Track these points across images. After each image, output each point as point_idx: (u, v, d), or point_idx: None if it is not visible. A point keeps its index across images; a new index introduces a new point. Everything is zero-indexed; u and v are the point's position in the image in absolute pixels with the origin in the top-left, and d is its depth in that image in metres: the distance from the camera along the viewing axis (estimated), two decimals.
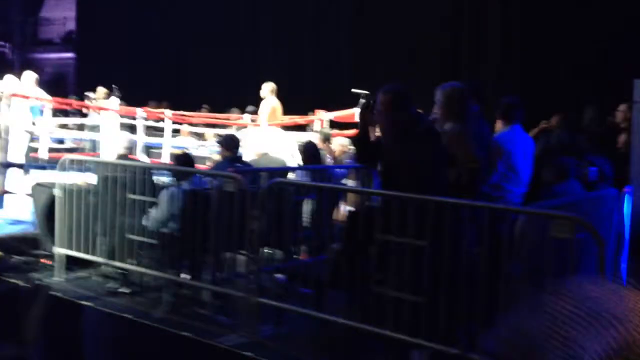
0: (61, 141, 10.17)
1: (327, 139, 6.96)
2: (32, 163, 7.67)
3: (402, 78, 8.47)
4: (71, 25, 16.97)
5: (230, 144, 5.16)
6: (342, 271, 3.62)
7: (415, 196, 3.23)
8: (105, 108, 8.48)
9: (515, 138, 4.13)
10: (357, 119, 8.07)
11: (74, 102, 9.00)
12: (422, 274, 3.20)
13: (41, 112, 7.80)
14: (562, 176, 4.02)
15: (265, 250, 4.25)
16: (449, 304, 3.13)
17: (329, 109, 8.58)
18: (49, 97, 8.13)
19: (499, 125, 4.23)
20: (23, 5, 16.70)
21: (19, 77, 8.04)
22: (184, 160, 4.96)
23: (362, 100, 8.07)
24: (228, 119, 9.87)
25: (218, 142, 5.24)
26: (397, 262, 3.30)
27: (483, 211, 3.21)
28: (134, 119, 8.52)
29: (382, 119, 3.51)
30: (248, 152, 6.11)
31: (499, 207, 3.42)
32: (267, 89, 8.49)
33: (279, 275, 4.27)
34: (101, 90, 10.07)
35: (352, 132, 8.15)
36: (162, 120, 8.86)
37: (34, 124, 7.07)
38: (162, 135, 8.78)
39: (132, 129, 8.41)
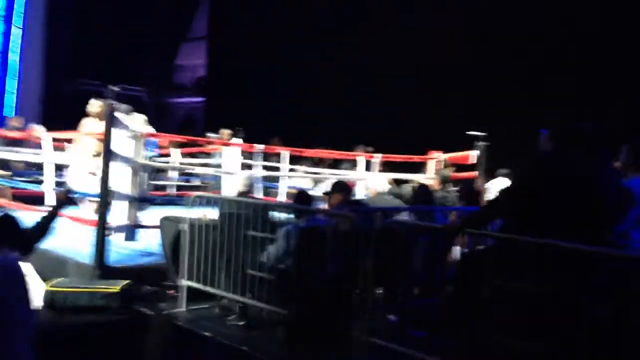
0: (188, 180, 10.85)
1: (445, 180, 6.91)
2: (162, 198, 8.23)
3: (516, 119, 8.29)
4: (201, 72, 18.21)
5: (343, 187, 5.23)
6: (454, 314, 3.55)
7: (535, 240, 3.12)
8: (228, 144, 8.95)
9: None
10: (472, 160, 8.02)
11: (199, 139, 9.58)
12: (538, 323, 3.06)
13: (156, 146, 8.40)
14: None
15: (378, 291, 4.25)
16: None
17: (443, 149, 8.53)
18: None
19: (628, 171, 3.99)
20: (159, 54, 18.12)
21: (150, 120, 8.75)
22: (303, 198, 5.11)
23: (480, 143, 7.99)
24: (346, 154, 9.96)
25: (332, 187, 5.32)
26: (510, 308, 3.19)
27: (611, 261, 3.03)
28: (252, 156, 8.84)
29: None
30: (364, 192, 6.19)
31: (628, 256, 3.21)
32: None
33: (391, 316, 4.25)
34: (225, 132, 10.65)
35: (469, 174, 8.06)
36: (279, 160, 9.17)
37: (151, 159, 7.62)
38: (278, 175, 9.08)
39: (251, 168, 8.79)
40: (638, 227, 3.80)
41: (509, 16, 10.74)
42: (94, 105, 7.00)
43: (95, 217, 5.43)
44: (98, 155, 6.58)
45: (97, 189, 5.65)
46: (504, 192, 3.73)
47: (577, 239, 3.10)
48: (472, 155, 8.11)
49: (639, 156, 3.97)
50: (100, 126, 6.72)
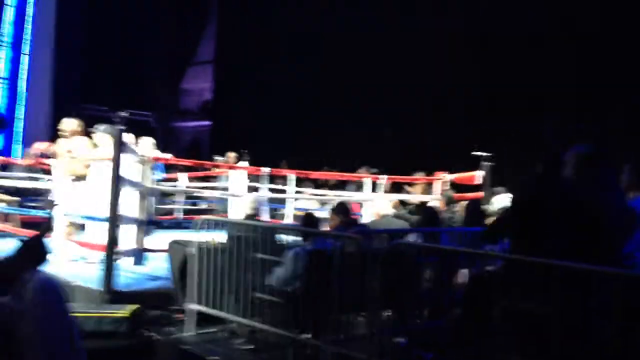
0: (195, 203, 10.90)
1: (450, 201, 6.92)
2: (169, 222, 8.26)
3: (524, 138, 8.34)
4: (207, 95, 18.37)
5: (344, 210, 5.26)
6: (462, 337, 3.55)
7: (542, 260, 3.12)
8: (235, 167, 9.01)
9: None
10: (478, 181, 8.05)
11: (205, 163, 9.65)
12: (545, 344, 3.06)
13: (164, 169, 8.45)
14: None
15: (386, 313, 4.25)
16: None
17: (450, 169, 8.56)
18: (168, 157, 8.88)
19: (630, 191, 4.01)
20: (166, 78, 18.30)
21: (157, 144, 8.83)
22: (309, 220, 5.13)
23: (485, 163, 8.03)
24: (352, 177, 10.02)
25: (332, 210, 5.37)
26: (520, 329, 3.18)
27: (615, 281, 3.03)
28: (258, 179, 8.89)
29: None
30: (369, 215, 6.22)
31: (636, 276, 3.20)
32: None
33: (399, 339, 4.24)
34: (231, 155, 10.72)
35: (474, 194, 8.08)
36: (285, 182, 9.21)
37: (159, 181, 7.66)
38: (284, 197, 9.12)
39: (257, 190, 8.83)
40: None
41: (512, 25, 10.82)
42: (68, 124, 7.01)
43: (104, 242, 5.45)
44: (78, 178, 6.63)
45: (102, 213, 5.68)
46: (505, 213, 3.74)
47: (581, 261, 3.11)
48: (478, 176, 8.13)
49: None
50: (75, 145, 6.78)
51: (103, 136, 6.67)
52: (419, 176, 9.05)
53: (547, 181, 3.50)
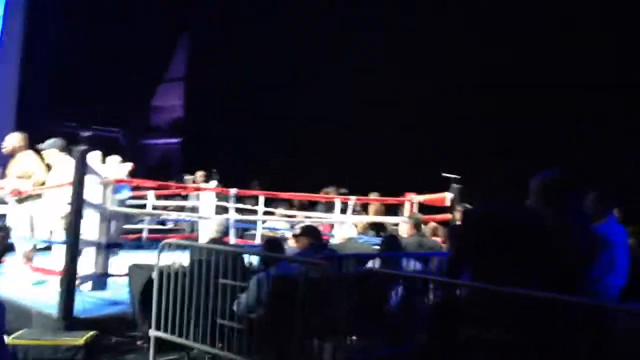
0: (162, 222, 10.71)
1: (418, 223, 6.89)
2: (132, 244, 8.06)
3: (490, 165, 8.38)
4: (178, 113, 18.21)
5: (312, 232, 5.21)
6: None
7: (506, 289, 3.09)
8: (200, 188, 8.88)
9: (615, 229, 3.91)
10: (447, 203, 8.05)
11: (171, 184, 9.48)
12: None
13: (130, 188, 8.25)
14: None
15: (352, 339, 4.17)
16: None
17: (418, 191, 8.56)
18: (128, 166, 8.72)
19: (595, 217, 4.02)
20: (136, 95, 18.10)
21: (125, 161, 8.66)
22: (273, 245, 5.04)
23: (455, 185, 8.04)
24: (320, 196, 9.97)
25: (301, 230, 5.31)
26: (483, 357, 3.13)
27: (580, 307, 3.01)
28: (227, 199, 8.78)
29: None
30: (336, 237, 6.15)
31: (601, 305, 3.18)
32: None
33: None
34: (199, 174, 10.58)
35: (443, 216, 8.07)
36: (257, 202, 9.12)
37: (123, 201, 7.43)
38: (255, 218, 9.01)
39: (227, 210, 8.70)
40: (611, 272, 3.81)
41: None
42: (10, 138, 6.62)
43: (62, 266, 5.28)
44: (24, 199, 6.37)
45: (61, 237, 5.52)
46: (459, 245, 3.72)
47: (544, 288, 3.09)
48: (448, 197, 8.13)
49: (605, 203, 4.01)
50: (22, 163, 6.48)
51: (51, 152, 6.39)
52: (374, 196, 9.04)
53: (493, 210, 3.51)
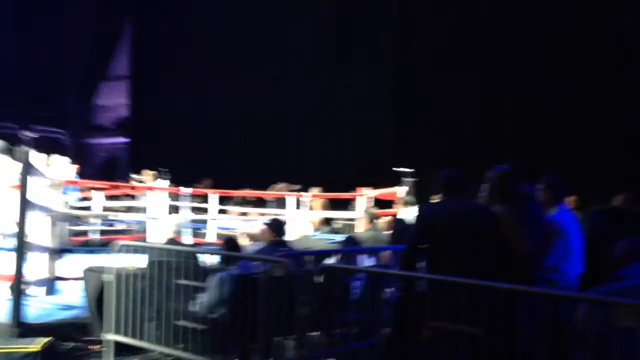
0: (112, 224, 10.46)
1: (373, 218, 6.95)
2: (83, 247, 7.84)
3: (443, 158, 8.53)
4: (123, 112, 17.79)
5: (278, 227, 5.19)
6: (392, 356, 3.54)
7: (468, 281, 3.15)
8: (153, 188, 8.71)
9: (568, 218, 4.03)
10: (399, 196, 8.14)
11: (121, 185, 9.27)
12: None
13: (79, 189, 8.01)
14: (632, 257, 3.72)
15: (314, 335, 4.17)
16: None
17: (370, 186, 8.62)
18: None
19: (547, 206, 4.13)
20: (78, 93, 17.61)
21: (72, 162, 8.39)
22: (231, 244, 4.99)
23: (407, 179, 8.14)
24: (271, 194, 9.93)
25: (266, 224, 5.30)
26: (448, 349, 3.19)
27: (540, 297, 3.10)
28: (179, 198, 8.66)
29: None
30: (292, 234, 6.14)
31: (561, 294, 3.28)
32: None
33: None
34: (148, 173, 10.36)
35: (395, 211, 8.15)
36: (207, 201, 9.00)
37: (69, 204, 7.21)
38: (207, 216, 8.90)
39: (178, 210, 8.57)
40: (567, 260, 3.92)
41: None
42: None
43: (11, 271, 5.08)
44: None
45: (8, 241, 5.31)
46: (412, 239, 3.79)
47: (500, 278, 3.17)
48: (400, 191, 8.22)
49: (556, 191, 4.12)
50: None
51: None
52: (316, 192, 9.07)
53: (442, 204, 3.62)
